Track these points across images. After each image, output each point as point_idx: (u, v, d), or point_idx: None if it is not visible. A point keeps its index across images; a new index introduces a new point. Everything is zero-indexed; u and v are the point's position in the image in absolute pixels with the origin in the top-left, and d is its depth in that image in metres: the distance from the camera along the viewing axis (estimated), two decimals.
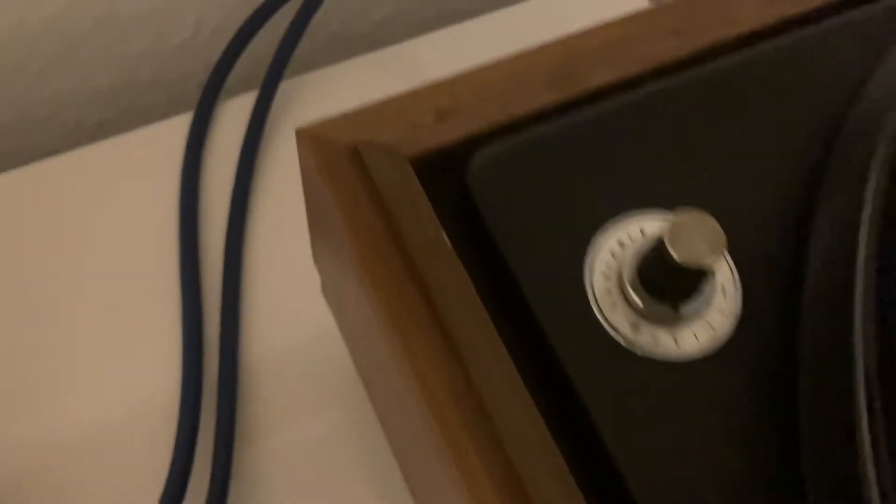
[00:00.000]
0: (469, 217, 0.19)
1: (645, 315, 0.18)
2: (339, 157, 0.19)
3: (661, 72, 0.21)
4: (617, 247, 0.19)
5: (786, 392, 0.18)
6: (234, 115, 0.36)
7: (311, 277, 0.28)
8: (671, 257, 0.16)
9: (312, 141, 0.20)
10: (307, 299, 0.32)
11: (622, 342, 0.18)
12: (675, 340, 0.18)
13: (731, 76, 0.21)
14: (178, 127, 0.35)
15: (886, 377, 0.16)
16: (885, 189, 0.18)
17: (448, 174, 0.20)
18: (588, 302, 0.18)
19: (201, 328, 0.31)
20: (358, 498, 0.29)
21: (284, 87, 0.37)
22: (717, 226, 0.16)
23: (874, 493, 0.15)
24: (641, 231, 0.19)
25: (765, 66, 0.21)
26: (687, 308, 0.18)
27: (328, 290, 0.26)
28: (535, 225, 0.19)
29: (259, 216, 0.34)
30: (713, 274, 0.18)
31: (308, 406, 0.30)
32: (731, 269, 0.18)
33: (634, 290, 0.18)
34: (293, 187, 0.32)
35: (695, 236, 0.16)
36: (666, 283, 0.17)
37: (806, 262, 0.19)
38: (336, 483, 0.29)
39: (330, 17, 0.41)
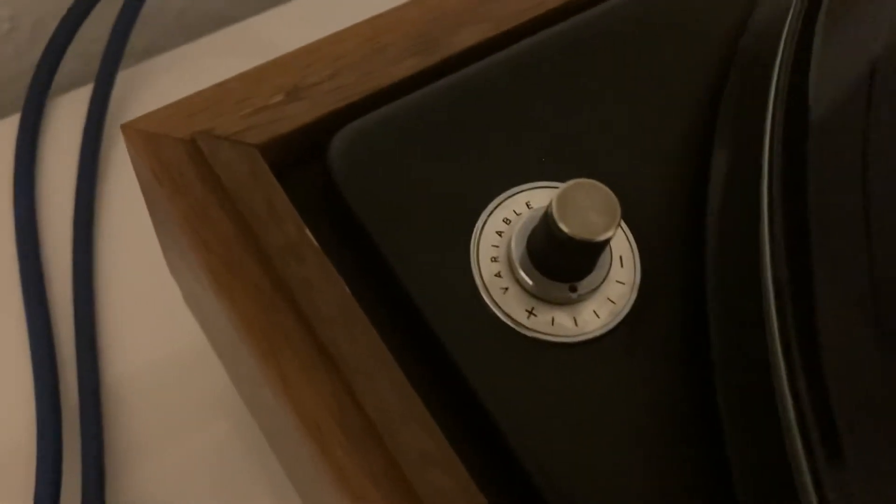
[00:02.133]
0: (335, 209, 0.17)
1: (539, 297, 0.16)
2: (175, 153, 0.17)
3: (529, 28, 0.19)
4: (503, 225, 0.17)
5: (694, 353, 0.17)
6: (69, 113, 0.32)
7: (171, 283, 0.25)
8: (563, 234, 0.15)
9: (142, 137, 0.17)
10: (170, 307, 0.29)
11: (517, 329, 0.16)
12: (574, 320, 0.16)
13: (603, 27, 0.19)
14: (4, 131, 0.31)
15: (798, 307, 0.15)
16: (783, 120, 0.17)
17: (305, 162, 0.17)
18: (477, 289, 0.16)
19: (53, 350, 0.28)
20: None
21: (124, 76, 0.33)
22: (610, 194, 0.15)
23: (797, 438, 0.14)
24: (527, 205, 0.17)
25: (642, 10, 0.19)
26: (584, 284, 0.16)
27: (189, 300, 0.24)
28: (412, 210, 0.17)
29: (107, 221, 0.31)
30: (609, 245, 0.16)
31: (184, 422, 0.28)
32: (626, 236, 0.17)
33: (525, 271, 0.16)
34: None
35: (586, 208, 0.14)
36: (559, 261, 0.16)
37: (704, 217, 0.17)
38: (226, 497, 0.27)
39: None
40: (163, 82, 0.33)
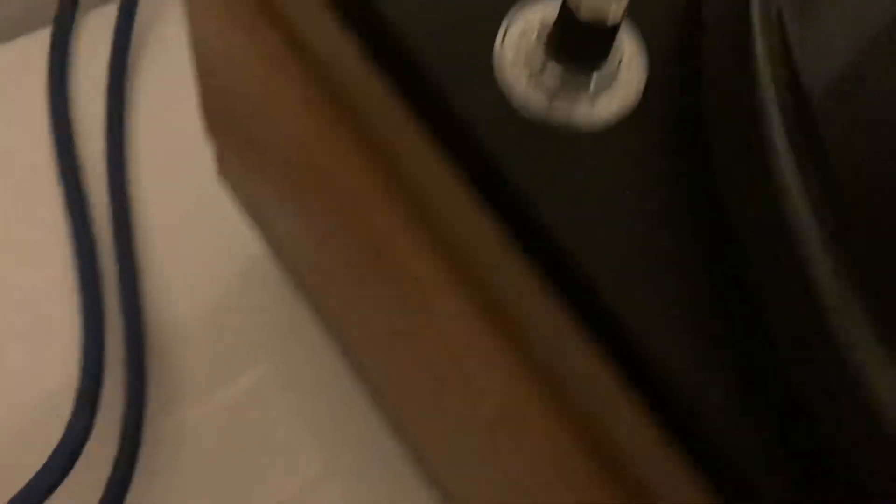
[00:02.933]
0: (370, 20, 0.19)
1: (559, 88, 0.18)
2: None
3: None
4: (527, 26, 0.19)
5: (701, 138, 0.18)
6: (99, 26, 0.34)
7: (208, 167, 0.27)
8: (576, 14, 0.16)
9: None
10: (214, 216, 0.30)
11: (538, 120, 0.18)
12: (592, 105, 0.18)
13: None
14: (36, 43, 0.33)
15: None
16: None
17: None
18: (500, 85, 0.18)
19: (97, 270, 0.29)
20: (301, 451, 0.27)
21: None
22: None
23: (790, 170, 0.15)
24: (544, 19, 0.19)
25: None
26: (599, 75, 0.18)
27: (228, 167, 0.25)
28: (440, 12, 0.19)
29: (139, 131, 0.32)
30: (619, 31, 0.18)
31: (236, 359, 0.28)
32: (634, 35, 0.19)
33: (545, 63, 0.18)
34: (171, 99, 0.30)
35: None
36: (575, 48, 0.18)
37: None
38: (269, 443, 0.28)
39: None
40: None
